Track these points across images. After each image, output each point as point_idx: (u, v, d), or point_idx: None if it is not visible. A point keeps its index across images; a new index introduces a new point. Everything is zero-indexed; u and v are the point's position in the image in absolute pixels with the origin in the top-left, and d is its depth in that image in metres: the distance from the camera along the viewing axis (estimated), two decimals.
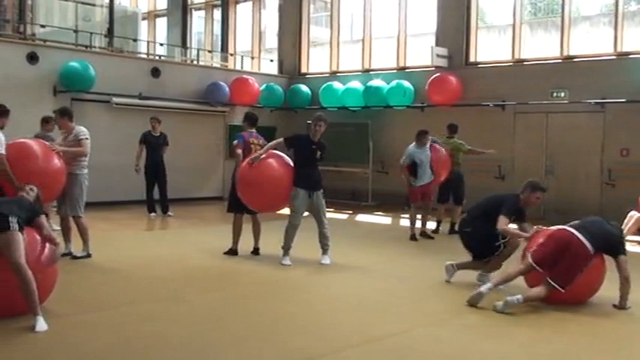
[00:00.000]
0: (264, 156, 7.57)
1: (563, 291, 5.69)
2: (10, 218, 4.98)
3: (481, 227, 6.62)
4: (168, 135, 12.26)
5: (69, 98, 12.86)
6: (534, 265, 5.85)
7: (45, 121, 9.65)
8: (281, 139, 7.62)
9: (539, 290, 5.77)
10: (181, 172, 12.71)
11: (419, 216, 9.97)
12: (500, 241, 6.60)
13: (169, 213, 12.17)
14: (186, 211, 12.87)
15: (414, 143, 9.88)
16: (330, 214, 13.44)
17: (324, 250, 7.76)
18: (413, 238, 9.80)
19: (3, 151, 6.15)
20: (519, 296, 5.66)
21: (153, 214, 12.05)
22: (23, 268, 4.84)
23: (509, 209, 6.47)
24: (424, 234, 10.02)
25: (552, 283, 5.71)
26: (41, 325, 4.86)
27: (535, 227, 6.40)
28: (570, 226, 5.97)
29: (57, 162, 7.14)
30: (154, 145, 11.96)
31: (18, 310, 5.00)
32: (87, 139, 7.52)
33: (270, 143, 7.62)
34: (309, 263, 7.67)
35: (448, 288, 6.69)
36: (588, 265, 5.77)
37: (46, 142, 7.38)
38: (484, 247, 6.68)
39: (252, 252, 8.16)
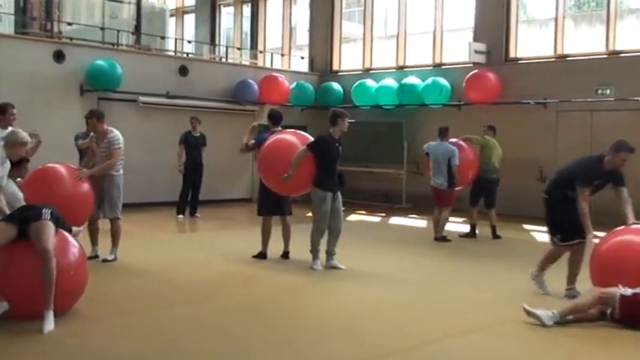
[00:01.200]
0: (282, 136, 7.76)
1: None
2: (43, 210, 5.29)
3: (555, 196, 6.36)
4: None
5: (95, 97, 13.07)
6: (619, 312, 5.40)
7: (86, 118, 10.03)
8: (305, 148, 7.47)
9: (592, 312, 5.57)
10: (209, 173, 12.81)
11: (451, 218, 10.05)
12: (556, 239, 6.37)
13: (197, 214, 12.30)
14: (214, 213, 12.97)
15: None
16: (363, 217, 13.53)
17: (333, 257, 7.71)
18: (443, 239, 9.92)
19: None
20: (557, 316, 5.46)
21: (181, 216, 12.19)
22: (49, 254, 5.02)
23: (583, 177, 6.13)
24: (443, 238, 10.00)
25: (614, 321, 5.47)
26: (49, 322, 4.95)
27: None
28: None
29: (85, 185, 7.31)
30: (193, 145, 12.13)
31: (42, 310, 5.07)
32: (119, 147, 7.63)
33: (297, 158, 7.41)
34: (333, 270, 7.66)
35: (484, 295, 6.64)
36: None
37: (74, 168, 7.48)
38: (553, 221, 6.45)
39: (281, 256, 8.20)
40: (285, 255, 8.21)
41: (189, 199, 12.36)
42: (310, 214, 7.85)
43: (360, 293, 6.66)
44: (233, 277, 7.29)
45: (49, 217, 5.25)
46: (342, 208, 7.83)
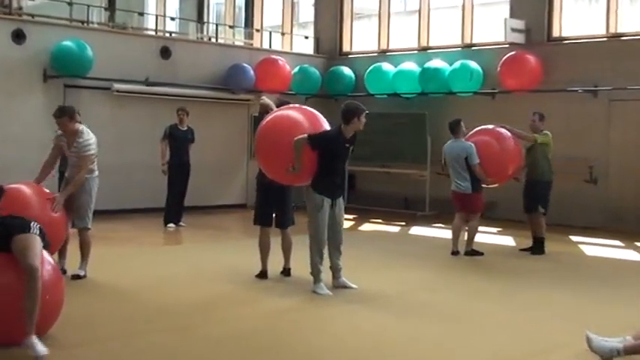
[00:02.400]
0: (284, 113, 7.64)
1: None
2: (32, 224, 5.44)
3: None
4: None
5: (61, 85, 13.11)
6: None
7: None
8: (305, 138, 7.22)
9: None
10: (196, 174, 12.82)
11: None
12: None
13: (181, 223, 12.32)
14: (202, 222, 12.99)
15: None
16: (378, 226, 13.51)
17: (340, 273, 7.67)
18: (474, 252, 9.86)
19: None
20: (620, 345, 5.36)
21: (171, 225, 12.20)
22: (37, 273, 5.09)
23: None
24: (455, 253, 9.92)
25: None
26: (39, 347, 4.98)
27: None
28: None
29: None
30: (181, 141, 12.14)
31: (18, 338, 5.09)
32: (89, 154, 7.64)
33: (298, 146, 7.18)
34: (341, 289, 7.62)
35: (522, 319, 6.62)
36: None
37: (46, 193, 7.47)
38: None
39: (281, 272, 8.20)
40: (286, 272, 8.21)
41: (174, 206, 12.34)
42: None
43: (372, 318, 6.63)
44: (223, 298, 7.28)
45: (37, 232, 5.37)
46: (347, 216, 7.75)
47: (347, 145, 7.49)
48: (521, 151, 10.23)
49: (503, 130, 10.19)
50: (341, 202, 7.63)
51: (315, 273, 7.54)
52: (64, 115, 7.70)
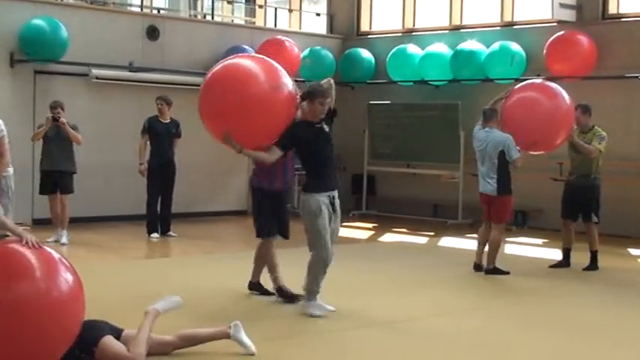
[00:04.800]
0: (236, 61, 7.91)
1: None
2: None
3: None
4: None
5: (32, 70, 13.16)
6: None
7: (51, 107, 11.04)
8: (274, 150, 7.27)
9: None
10: (187, 176, 12.81)
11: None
12: None
13: (170, 233, 12.36)
14: (194, 231, 13.02)
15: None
16: (402, 237, 13.51)
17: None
18: (495, 270, 9.75)
19: None
20: None
21: (154, 234, 12.23)
22: None
23: None
24: (477, 267, 9.90)
25: None
26: None
27: None
28: None
29: None
30: (162, 135, 12.14)
31: None
32: (3, 135, 7.65)
33: (258, 154, 7.38)
34: (349, 312, 7.59)
35: (573, 356, 6.61)
36: None
37: None
38: None
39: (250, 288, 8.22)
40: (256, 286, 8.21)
41: (160, 212, 12.37)
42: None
43: (392, 346, 6.61)
44: (218, 321, 7.28)
45: None
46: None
47: (317, 126, 7.44)
48: (574, 115, 9.89)
49: (554, 85, 10.01)
50: (338, 202, 7.45)
51: (310, 292, 7.38)
52: None
